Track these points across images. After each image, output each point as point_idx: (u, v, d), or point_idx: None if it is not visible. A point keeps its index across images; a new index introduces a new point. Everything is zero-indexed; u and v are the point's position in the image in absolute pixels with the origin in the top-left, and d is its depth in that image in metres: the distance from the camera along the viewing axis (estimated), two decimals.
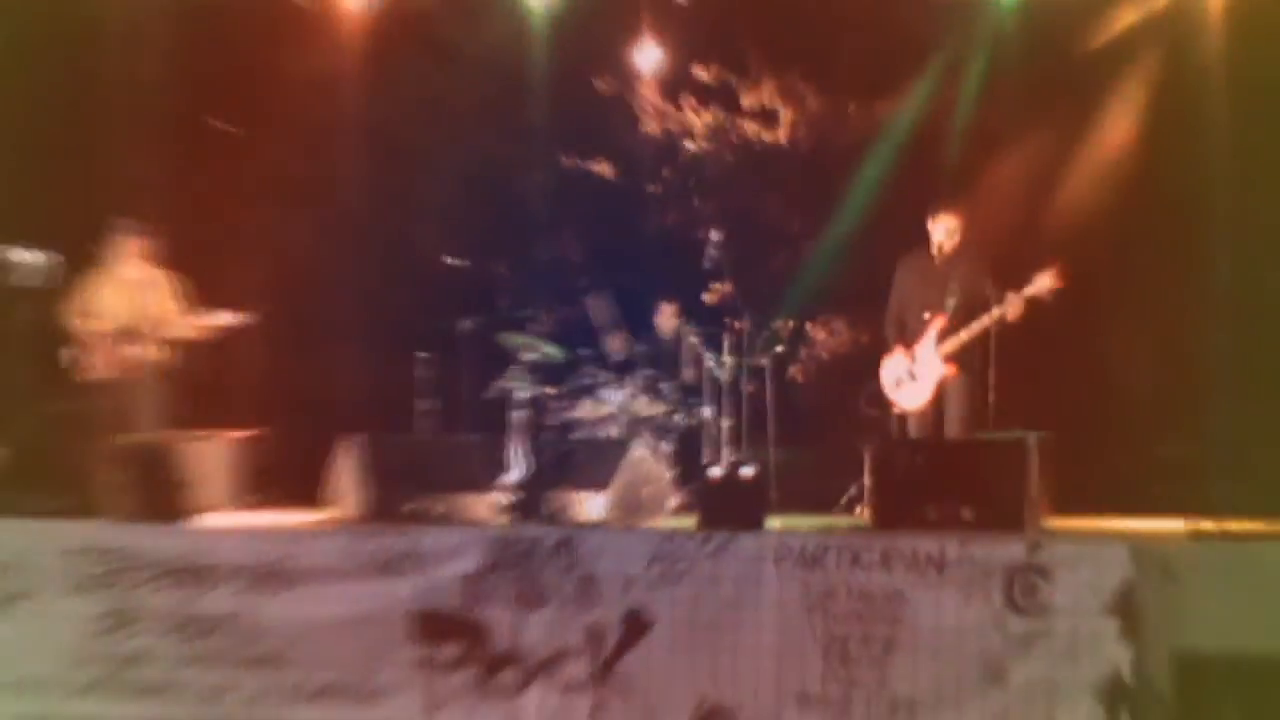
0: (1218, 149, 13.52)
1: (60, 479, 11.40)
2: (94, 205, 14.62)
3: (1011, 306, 11.99)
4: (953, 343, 12.28)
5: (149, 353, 13.03)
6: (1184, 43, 13.97)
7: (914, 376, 12.55)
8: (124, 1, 14.94)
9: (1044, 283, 11.87)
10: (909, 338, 12.67)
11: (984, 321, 12.11)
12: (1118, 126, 14.33)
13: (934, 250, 12.59)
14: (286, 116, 15.01)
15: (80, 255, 13.49)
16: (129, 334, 12.96)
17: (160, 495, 11.43)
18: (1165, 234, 13.62)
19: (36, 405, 13.76)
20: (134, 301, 13.05)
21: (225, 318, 13.31)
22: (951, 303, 12.34)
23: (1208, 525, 10.58)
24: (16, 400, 13.83)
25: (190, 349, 13.73)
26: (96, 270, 13.17)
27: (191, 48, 15.43)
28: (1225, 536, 10.46)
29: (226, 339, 15.25)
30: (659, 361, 14.46)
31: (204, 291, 13.64)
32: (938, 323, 12.42)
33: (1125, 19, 14.19)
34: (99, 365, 13.01)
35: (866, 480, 11.71)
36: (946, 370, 12.40)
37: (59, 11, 14.21)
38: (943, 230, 12.58)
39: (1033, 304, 11.93)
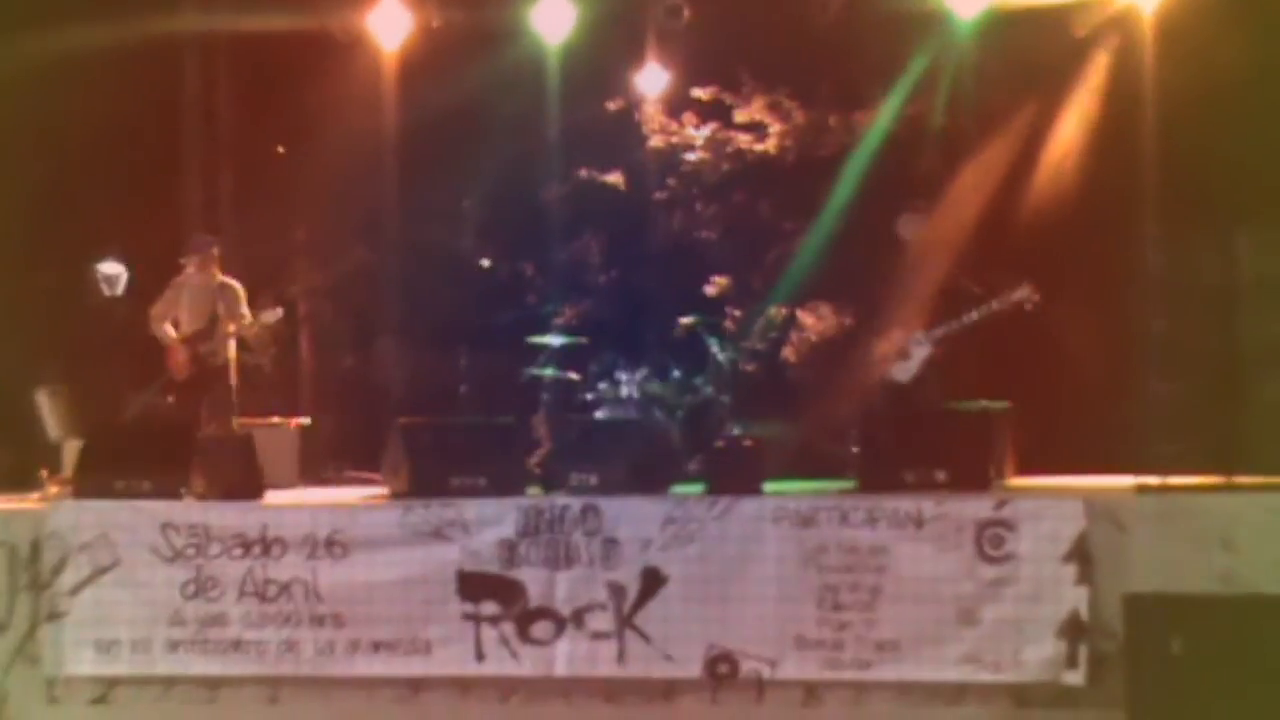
0: (1151, 150, 13.52)
1: (151, 462, 11.38)
2: (169, 221, 14.70)
3: (996, 309, 12.00)
4: (943, 330, 12.25)
5: (222, 351, 13.01)
6: (1122, 51, 13.95)
7: (907, 355, 12.46)
8: (193, 39, 14.93)
9: (1024, 294, 11.90)
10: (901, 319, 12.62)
11: (973, 317, 12.09)
12: (1066, 130, 14.33)
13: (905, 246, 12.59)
14: (332, 138, 15.00)
15: (160, 266, 13.48)
16: (204, 336, 12.95)
17: (236, 477, 11.49)
18: (1108, 225, 13.62)
19: (130, 398, 13.84)
20: (208, 306, 13.03)
21: (271, 314, 13.26)
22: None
23: (1152, 480, 10.59)
24: (114, 393, 13.90)
25: (256, 346, 13.75)
26: (175, 279, 13.14)
27: (249, 79, 15.46)
28: (1167, 489, 10.47)
29: (288, 337, 15.40)
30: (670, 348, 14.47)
31: (270, 295, 13.67)
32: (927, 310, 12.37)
33: (1071, 34, 14.16)
34: (180, 364, 13.01)
35: (855, 447, 11.75)
36: (934, 351, 12.36)
37: (137, 51, 14.16)
38: (908, 227, 12.60)
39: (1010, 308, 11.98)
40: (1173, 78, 13.49)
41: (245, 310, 13.04)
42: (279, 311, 13.33)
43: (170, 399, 13.21)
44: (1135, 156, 13.60)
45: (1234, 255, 11.10)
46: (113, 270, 13.17)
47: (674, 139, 16.20)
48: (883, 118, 15.06)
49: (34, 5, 13.86)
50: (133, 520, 10.83)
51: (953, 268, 12.36)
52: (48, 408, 13.36)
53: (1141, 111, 13.65)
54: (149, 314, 13.12)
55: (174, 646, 10.67)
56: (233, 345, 13.07)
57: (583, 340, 14.51)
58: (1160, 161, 13.46)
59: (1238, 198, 12.83)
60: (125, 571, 10.78)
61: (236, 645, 10.67)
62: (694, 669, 10.33)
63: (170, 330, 13.05)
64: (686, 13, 14.57)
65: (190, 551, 10.72)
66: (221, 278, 13.13)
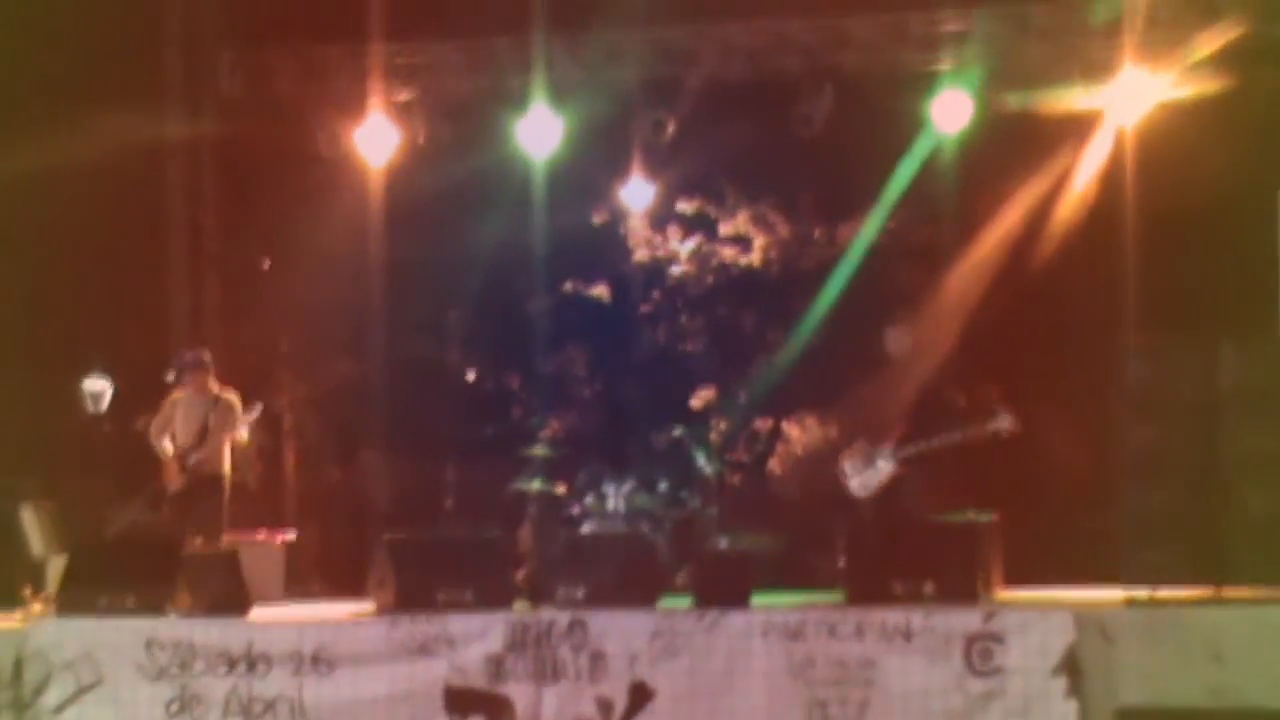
0: (1130, 262, 13.61)
1: (135, 578, 11.33)
2: (154, 330, 14.69)
3: (972, 434, 11.97)
4: (911, 449, 12.20)
5: (212, 463, 12.96)
6: (1103, 165, 14.06)
7: (870, 467, 12.40)
8: (178, 149, 14.98)
9: (1003, 424, 11.87)
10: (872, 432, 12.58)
11: (946, 440, 12.04)
12: (1044, 242, 14.41)
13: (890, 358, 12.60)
14: (318, 249, 15.02)
15: (145, 376, 13.46)
16: (195, 448, 12.90)
17: (221, 593, 11.42)
18: (1089, 338, 13.66)
19: (115, 513, 13.76)
20: (201, 419, 12.98)
21: (251, 411, 13.21)
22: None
23: (1140, 592, 10.57)
24: (98, 509, 13.82)
25: (243, 459, 13.70)
26: (172, 394, 13.11)
27: (235, 190, 15.51)
28: (1155, 602, 10.45)
29: (272, 449, 15.36)
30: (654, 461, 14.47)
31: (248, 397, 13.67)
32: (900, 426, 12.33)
33: (1049, 146, 14.30)
34: (171, 478, 12.95)
35: (842, 560, 11.71)
36: (901, 469, 12.30)
37: (121, 160, 14.20)
38: (896, 341, 12.58)
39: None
40: (1152, 190, 13.60)
41: (239, 424, 12.96)
42: (258, 407, 13.28)
43: (159, 512, 13.15)
44: (1117, 267, 13.68)
45: (1216, 366, 11.14)
46: (97, 387, 13.12)
47: (659, 252, 16.26)
48: (866, 230, 15.13)
49: (15, 112, 13.90)
50: (116, 638, 10.76)
51: (935, 379, 12.36)
52: (31, 523, 13.28)
53: (1123, 222, 13.74)
54: (147, 431, 13.04)
55: None
56: (226, 459, 13.02)
57: (566, 451, 14.48)
58: (1141, 272, 13.53)
59: (1219, 308, 12.90)
60: (109, 690, 10.70)
61: None
62: None
63: (168, 445, 13.00)
64: (670, 127, 14.69)
65: (175, 670, 10.64)
66: (217, 390, 13.07)
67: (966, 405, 12.16)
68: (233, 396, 13.05)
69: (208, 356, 13.24)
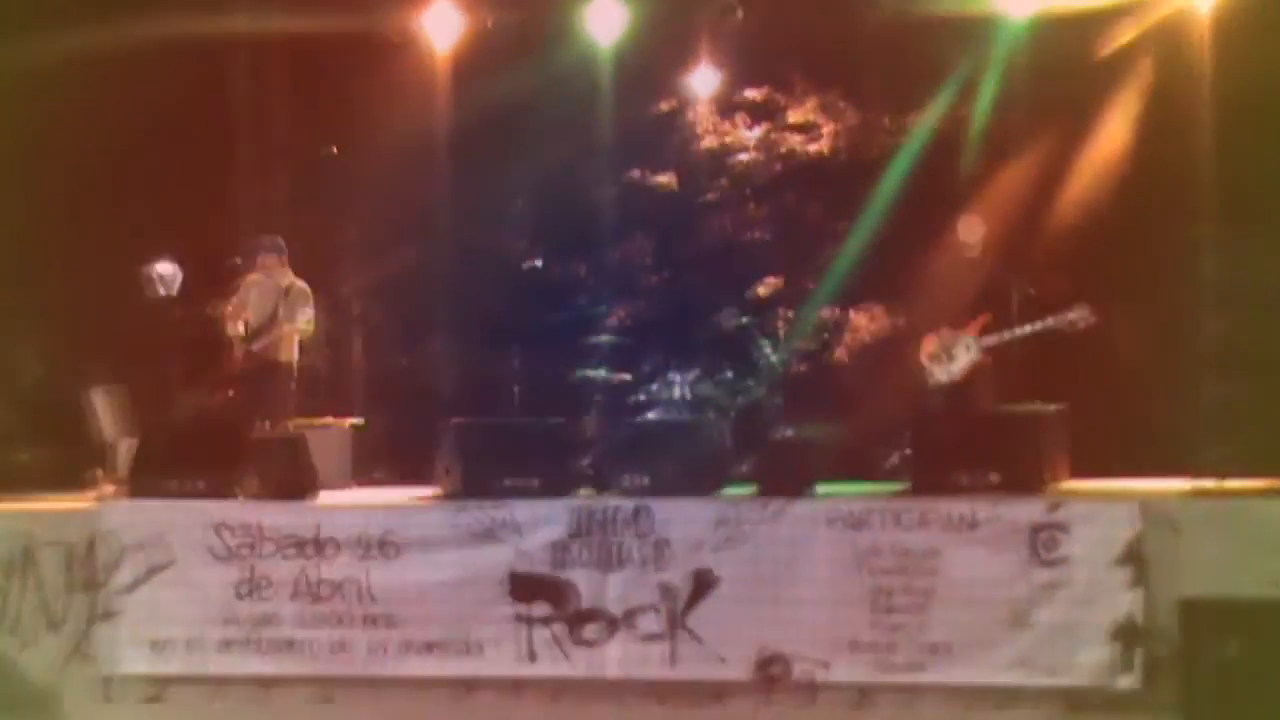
0: (1205, 153, 13.40)
1: (205, 462, 11.43)
2: (220, 221, 14.72)
3: (1050, 326, 11.91)
4: (994, 339, 12.14)
5: (283, 350, 13.00)
6: (1175, 53, 13.82)
7: (951, 356, 12.36)
8: (244, 38, 14.93)
9: (1080, 314, 11.80)
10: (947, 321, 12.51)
11: (1026, 330, 11.99)
12: (1119, 132, 14.20)
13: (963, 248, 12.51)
14: (383, 138, 14.99)
15: (212, 265, 13.51)
16: (266, 334, 12.94)
17: (289, 477, 11.52)
18: (1161, 229, 13.52)
19: (187, 396, 13.88)
20: (271, 306, 13.01)
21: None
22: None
23: (1206, 484, 10.52)
24: (167, 393, 13.93)
25: (313, 345, 13.74)
26: (238, 278, 13.15)
27: (300, 79, 15.47)
28: (1221, 494, 10.40)
29: (342, 338, 15.39)
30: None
31: (323, 295, 13.69)
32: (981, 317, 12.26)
33: (1123, 34, 14.06)
34: (241, 362, 13.01)
35: (908, 449, 11.68)
36: (983, 358, 12.25)
37: (186, 50, 14.19)
38: (969, 230, 12.50)
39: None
40: (1227, 78, 13.38)
41: (307, 314, 12.98)
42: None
43: (227, 396, 13.23)
44: (1188, 158, 13.48)
45: None
46: (167, 270, 13.11)
47: (725, 139, 16.13)
48: (932, 117, 14.95)
49: (85, 2, 13.89)
50: (186, 520, 10.92)
51: (1006, 271, 12.27)
52: (101, 407, 13.40)
53: (1195, 113, 13.53)
54: (222, 313, 13.10)
55: (227, 646, 10.76)
56: (294, 346, 13.06)
57: (631, 340, 14.46)
58: (1213, 163, 13.33)
59: None
60: (179, 571, 10.88)
61: (289, 645, 10.73)
62: (745, 670, 10.33)
63: (240, 328, 13.04)
64: (739, 12, 14.53)
65: (244, 551, 10.80)
66: (291, 279, 13.09)
67: (1039, 297, 12.09)
68: (305, 288, 13.07)
69: (282, 243, 13.27)
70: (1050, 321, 11.91)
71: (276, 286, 13.03)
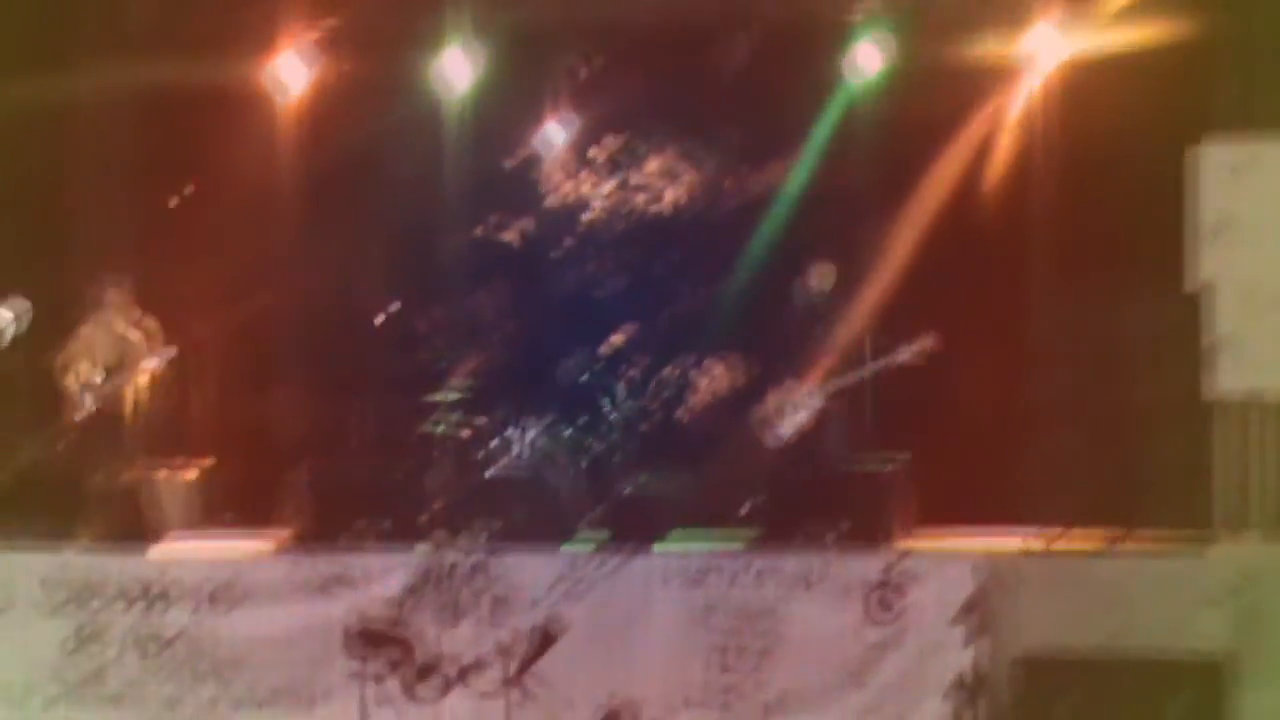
0: (1045, 208, 13.58)
1: (40, 513, 11.20)
2: (71, 262, 14.47)
3: (894, 361, 11.98)
4: (839, 382, 12.19)
5: (125, 396, 12.78)
6: (1017, 110, 14.01)
7: (795, 407, 12.39)
8: (94, 91, 14.71)
9: (924, 344, 11.88)
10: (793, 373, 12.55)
11: (867, 370, 12.06)
12: (962, 187, 14.33)
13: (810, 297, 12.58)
14: (234, 187, 14.83)
15: (63, 307, 13.26)
16: (109, 378, 12.71)
17: (128, 525, 11.33)
18: (1005, 280, 13.65)
19: (25, 443, 13.57)
20: (114, 351, 12.79)
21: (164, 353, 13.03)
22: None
23: (1037, 544, 10.63)
24: (7, 439, 13.64)
25: (154, 388, 13.52)
26: (80, 320, 12.91)
27: (152, 128, 15.26)
28: (1052, 554, 10.51)
29: (186, 380, 15.14)
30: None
31: (175, 335, 13.49)
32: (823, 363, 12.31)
33: (968, 90, 14.22)
34: (81, 407, 12.76)
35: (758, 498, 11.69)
36: (830, 404, 12.28)
37: (42, 100, 13.97)
38: (819, 277, 12.58)
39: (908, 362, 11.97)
40: (1067, 136, 13.56)
41: (152, 360, 12.77)
42: (170, 350, 13.09)
43: (66, 444, 12.97)
44: (1029, 214, 13.65)
45: (1127, 312, 11.16)
46: (4, 317, 12.86)
47: (572, 196, 16.08)
48: (782, 178, 15.02)
49: None
50: (16, 572, 10.65)
51: (854, 321, 12.34)
52: None
53: (1036, 169, 13.71)
54: (53, 355, 12.86)
55: (53, 702, 10.49)
56: (137, 391, 12.82)
57: (476, 394, 14.35)
58: (1054, 219, 13.50)
59: (1132, 255, 12.88)
60: (11, 619, 10.62)
61: (118, 700, 10.48)
62: None
63: (75, 378, 12.80)
64: (586, 70, 14.53)
65: (72, 607, 10.55)
66: (136, 320, 12.88)
67: (889, 343, 12.15)
68: (149, 325, 12.87)
69: (122, 286, 13.05)
70: (895, 355, 11.98)
71: (119, 331, 12.82)
